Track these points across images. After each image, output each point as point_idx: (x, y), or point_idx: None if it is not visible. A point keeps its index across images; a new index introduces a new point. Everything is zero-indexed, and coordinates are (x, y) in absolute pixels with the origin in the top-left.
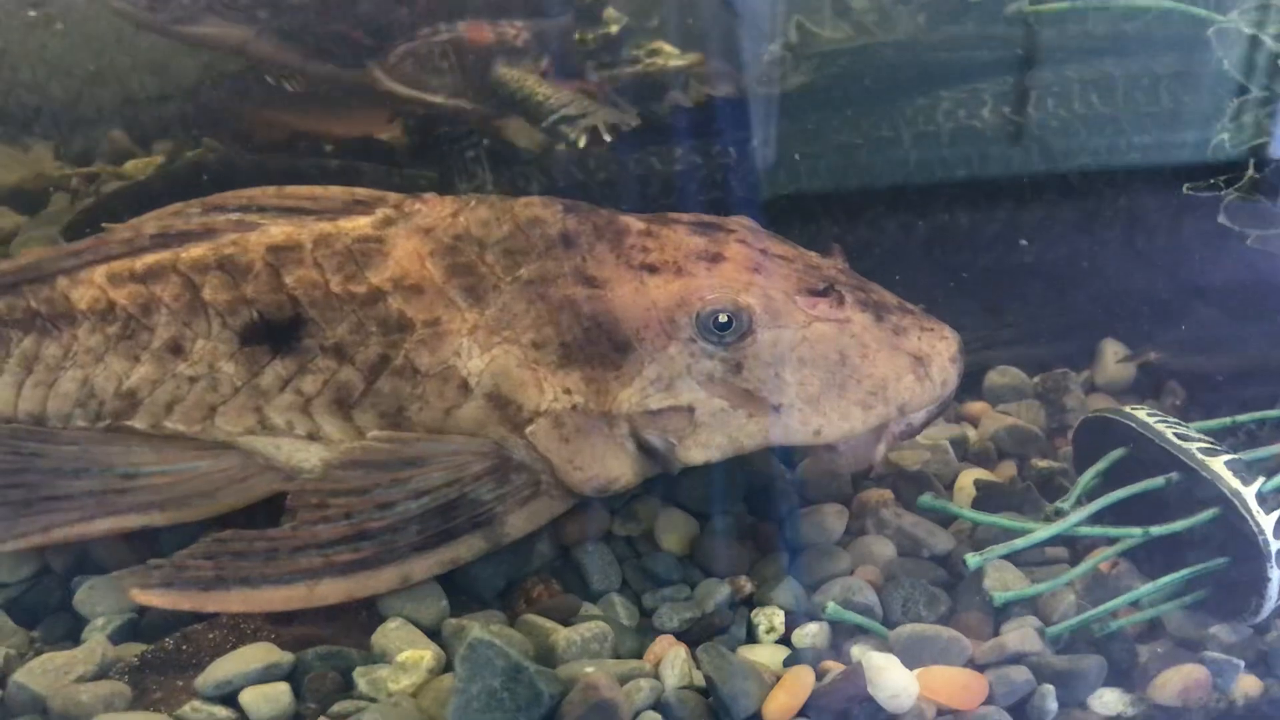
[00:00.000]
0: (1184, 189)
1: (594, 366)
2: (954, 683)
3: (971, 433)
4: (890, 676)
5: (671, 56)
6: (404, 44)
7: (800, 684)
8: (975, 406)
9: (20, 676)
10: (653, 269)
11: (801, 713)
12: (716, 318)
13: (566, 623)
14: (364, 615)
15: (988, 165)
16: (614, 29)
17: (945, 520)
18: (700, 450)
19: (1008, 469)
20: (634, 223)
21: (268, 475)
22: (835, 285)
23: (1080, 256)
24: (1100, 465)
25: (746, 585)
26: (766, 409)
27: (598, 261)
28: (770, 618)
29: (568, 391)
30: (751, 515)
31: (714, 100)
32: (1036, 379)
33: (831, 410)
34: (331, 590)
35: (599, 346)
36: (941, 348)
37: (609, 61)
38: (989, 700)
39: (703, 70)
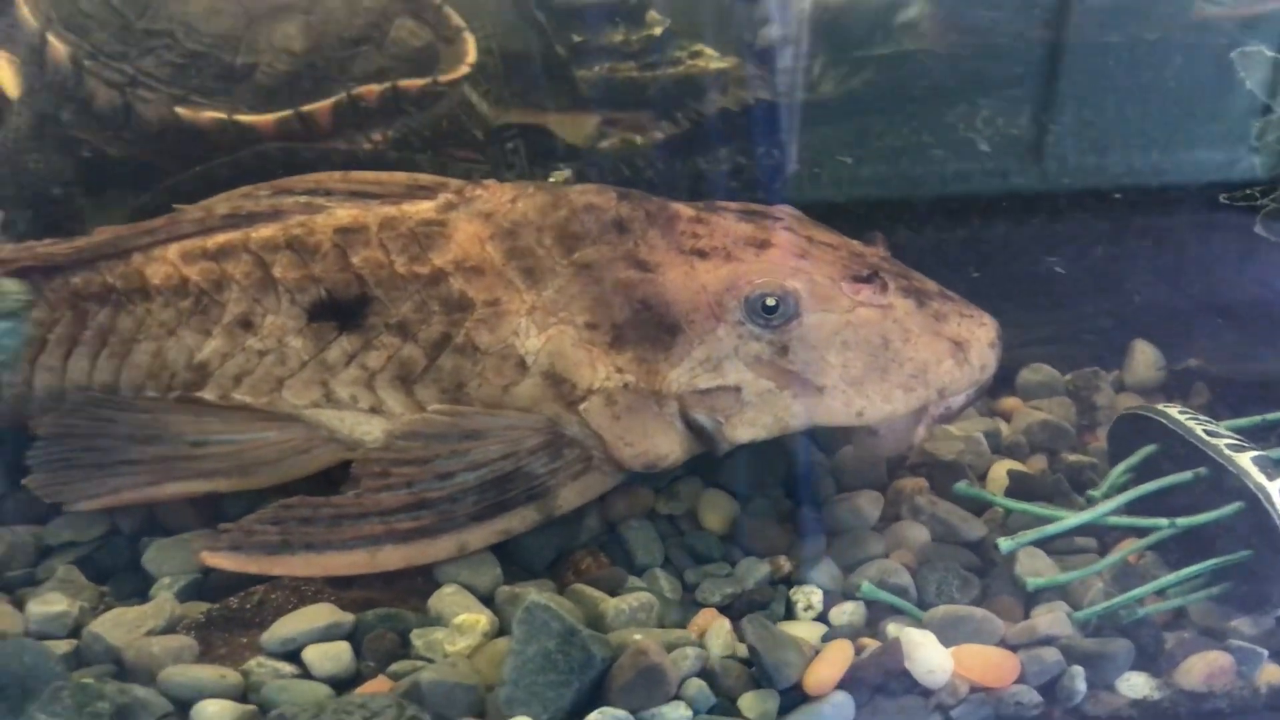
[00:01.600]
0: (1221, 199)
1: (645, 347)
2: (987, 661)
3: (1004, 426)
4: (927, 652)
5: (712, 59)
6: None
7: (840, 656)
8: (1008, 402)
9: (95, 628)
10: (702, 254)
11: (840, 684)
12: (764, 301)
13: (614, 593)
14: (420, 581)
15: (1025, 172)
16: (657, 31)
17: (978, 508)
18: (747, 429)
19: (1038, 462)
20: (685, 210)
21: (330, 446)
22: (879, 272)
23: (1114, 263)
24: (1132, 460)
25: (785, 564)
26: (811, 390)
27: (650, 246)
28: (808, 596)
29: (619, 371)
30: (789, 499)
31: (757, 103)
32: (1068, 377)
33: (874, 392)
34: (392, 556)
35: (650, 328)
36: (980, 333)
37: (652, 63)
38: (1020, 679)
39: (742, 74)
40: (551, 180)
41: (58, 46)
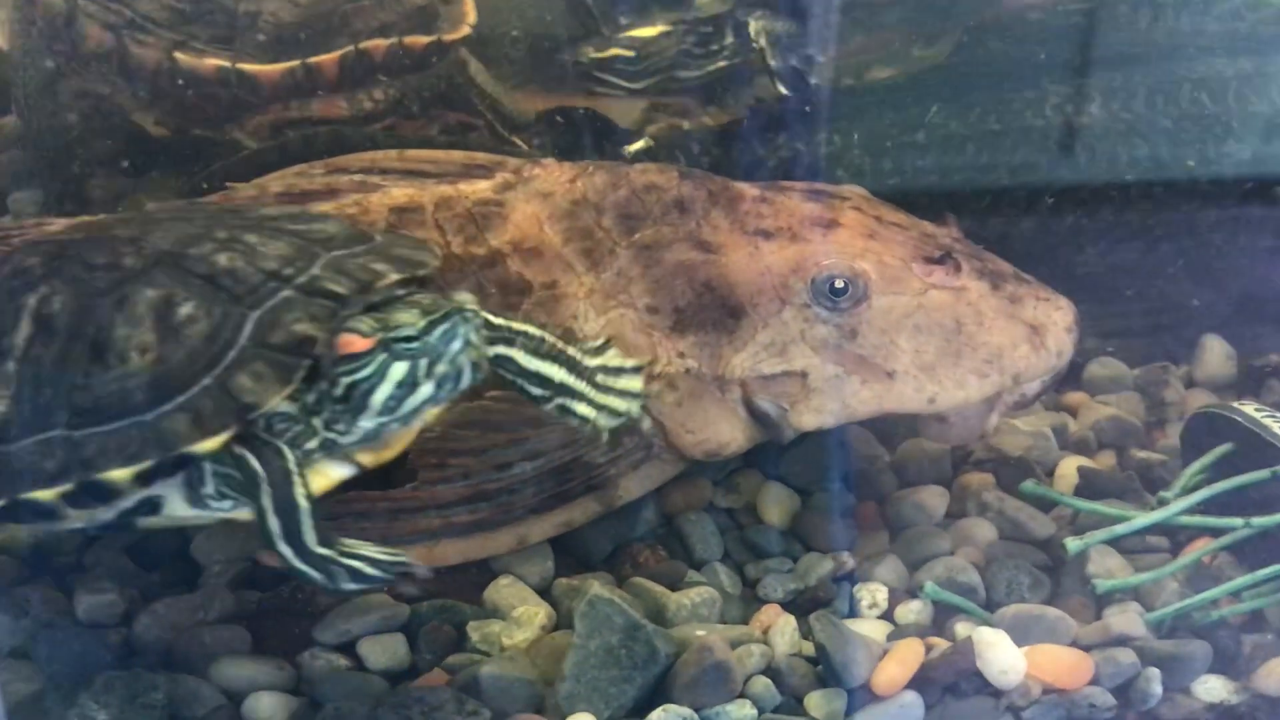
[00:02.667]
0: None
1: (708, 331)
2: (1060, 662)
3: (1071, 422)
4: (999, 653)
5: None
6: (258, 116)
7: (911, 655)
8: (1074, 396)
9: (146, 617)
10: (767, 234)
11: (910, 684)
12: (832, 283)
13: (674, 588)
14: (474, 572)
15: (1093, 161)
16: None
17: (1046, 505)
18: (813, 416)
19: (1107, 459)
20: (749, 190)
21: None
22: (951, 253)
23: (1186, 256)
24: (1206, 459)
25: (849, 561)
26: (881, 375)
27: (713, 227)
28: (874, 593)
29: (681, 355)
30: (851, 493)
31: (817, 90)
32: (1137, 371)
33: (947, 378)
34: (450, 550)
35: (713, 311)
36: (1057, 317)
37: (714, 50)
38: (1094, 681)
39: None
40: (633, 149)
41: None
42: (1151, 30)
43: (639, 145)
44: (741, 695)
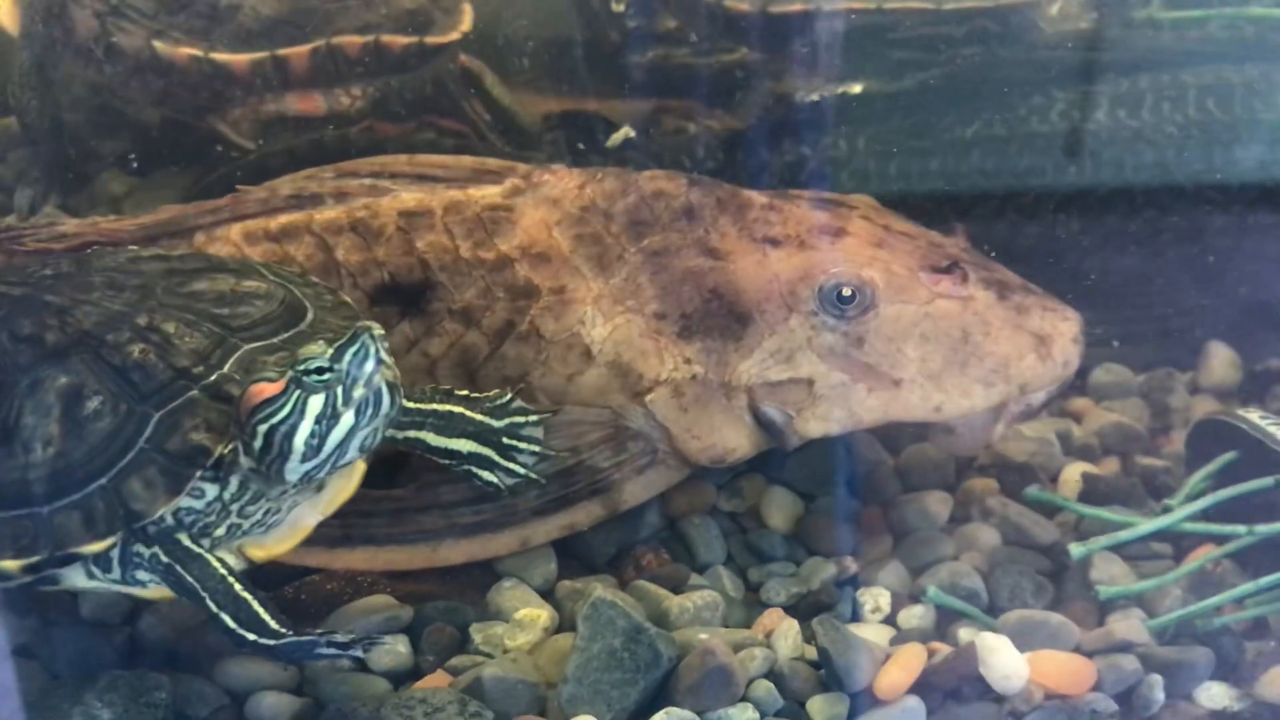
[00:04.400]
0: None
1: (714, 337)
2: (1063, 668)
3: (1075, 427)
4: (1002, 658)
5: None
6: (239, 109)
7: (914, 660)
8: (1079, 402)
9: (151, 617)
10: (775, 242)
11: (912, 689)
12: (840, 291)
13: (676, 591)
14: (477, 573)
15: (1099, 169)
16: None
17: (1050, 511)
18: (819, 423)
19: (1111, 465)
20: (757, 197)
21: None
22: (959, 262)
23: (1190, 262)
24: (1211, 467)
25: (852, 565)
26: (887, 383)
27: (721, 234)
28: (876, 598)
29: (688, 361)
30: (854, 498)
31: (824, 96)
32: (1141, 378)
33: (953, 387)
34: (453, 551)
35: (720, 318)
36: (1064, 328)
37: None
38: (1096, 687)
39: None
40: (614, 141)
41: None
42: (1158, 37)
43: (620, 136)
44: (744, 699)
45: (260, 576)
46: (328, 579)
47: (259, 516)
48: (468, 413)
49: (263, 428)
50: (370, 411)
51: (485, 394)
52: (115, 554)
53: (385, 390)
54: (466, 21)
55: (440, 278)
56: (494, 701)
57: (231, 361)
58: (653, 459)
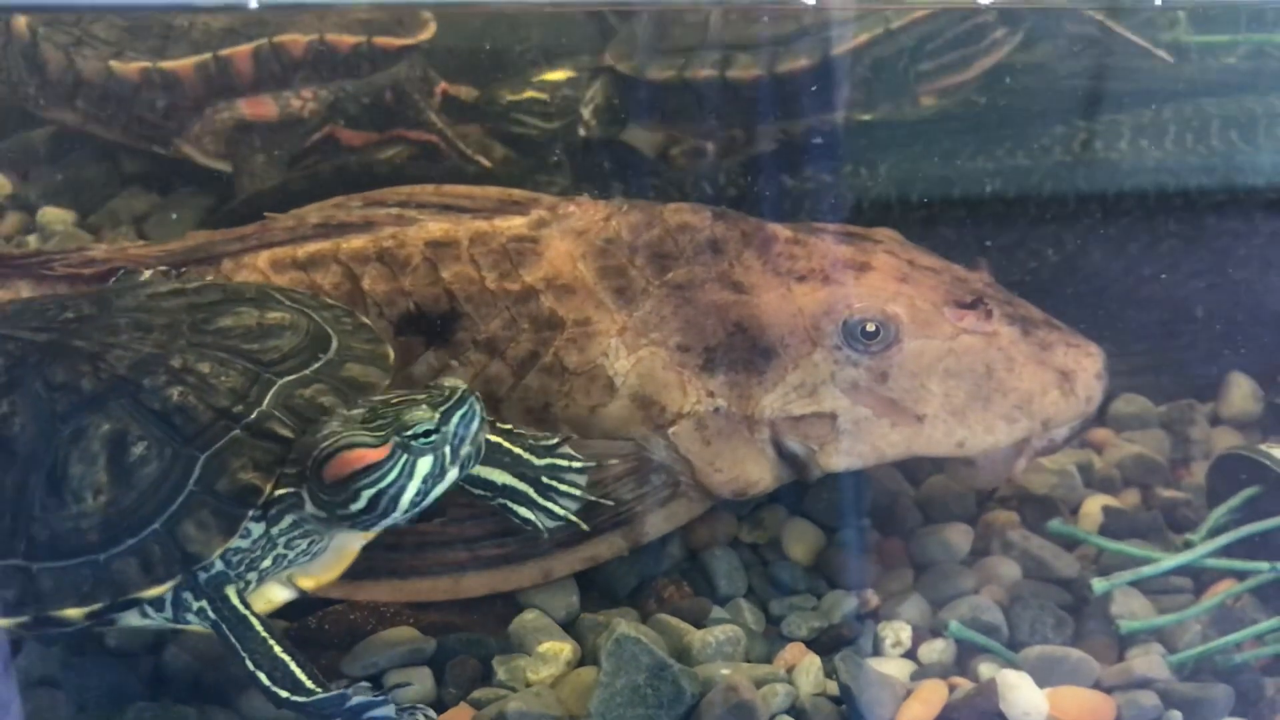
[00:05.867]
0: None
1: (738, 371)
2: (1083, 704)
3: (1096, 459)
4: (1022, 695)
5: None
6: (196, 124)
7: (935, 696)
8: (1099, 433)
9: (175, 647)
10: (800, 276)
11: None
12: (864, 326)
13: (698, 624)
14: (499, 605)
15: (1121, 196)
16: None
17: (1070, 544)
18: (842, 458)
19: (1131, 497)
20: (781, 231)
21: None
22: (983, 298)
23: (1212, 291)
24: (1233, 501)
25: (873, 599)
26: (910, 419)
27: (745, 268)
28: (897, 632)
29: (711, 394)
30: (875, 530)
31: (850, 120)
32: (1162, 408)
33: (976, 422)
34: (476, 583)
35: (743, 351)
36: (1087, 364)
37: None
38: None
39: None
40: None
41: (19, 20)
42: (1182, 67)
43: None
44: None
45: (284, 608)
46: (351, 609)
47: (304, 547)
48: (508, 445)
49: (368, 492)
50: (472, 464)
51: (532, 433)
52: (169, 595)
53: (483, 444)
54: (429, 32)
55: (466, 308)
56: None
57: (269, 397)
58: (675, 491)
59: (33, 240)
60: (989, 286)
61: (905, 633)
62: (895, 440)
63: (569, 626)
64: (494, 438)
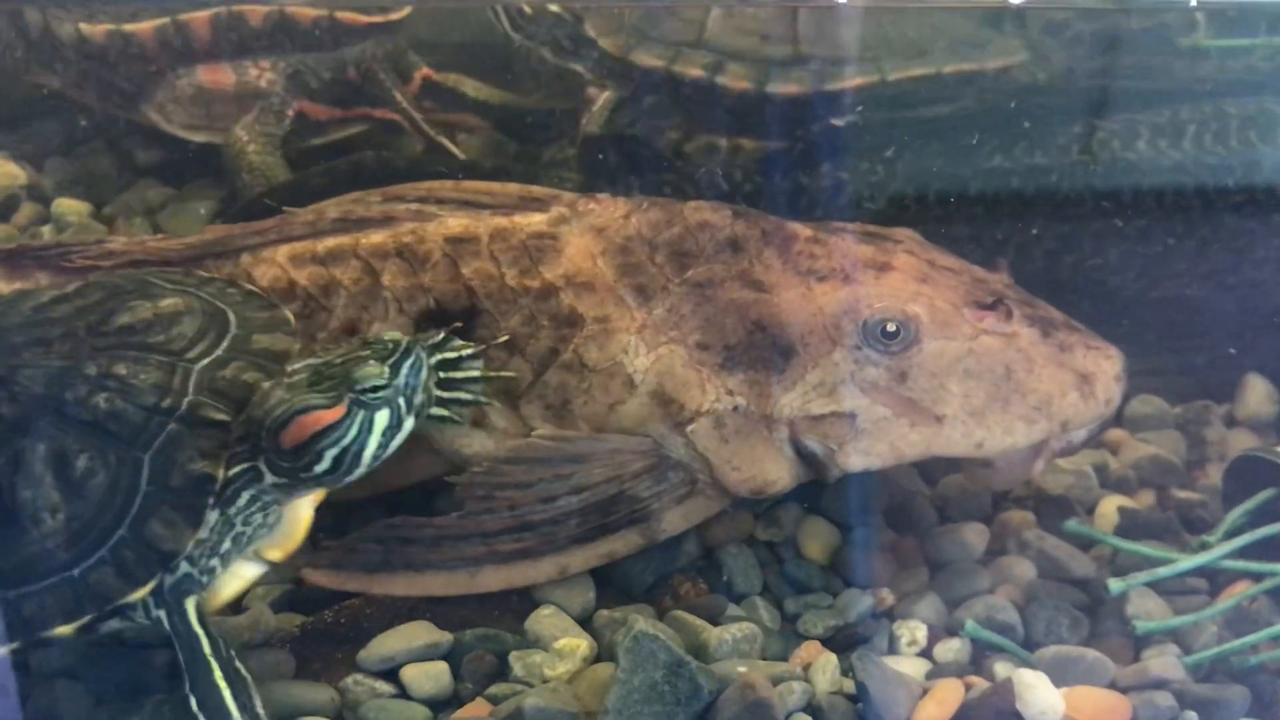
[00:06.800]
0: None
1: (757, 369)
2: (1099, 704)
3: (1112, 460)
4: (1039, 694)
5: None
6: (161, 91)
7: (951, 695)
8: (1115, 434)
9: None
10: (820, 275)
11: None
12: (884, 326)
13: (715, 622)
14: (515, 600)
15: (1139, 197)
16: None
17: (1086, 544)
18: (860, 457)
19: (1146, 498)
20: (802, 230)
21: (429, 458)
22: (1003, 299)
23: (1230, 292)
24: (1249, 504)
25: (888, 597)
26: (929, 419)
27: (765, 266)
28: (913, 631)
29: (730, 393)
30: (891, 530)
31: (864, 121)
32: (1178, 410)
33: (995, 424)
34: (492, 578)
35: (763, 350)
36: (1107, 366)
37: None
38: None
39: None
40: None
41: None
42: (1199, 67)
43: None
44: None
45: (300, 601)
46: (367, 604)
47: (261, 520)
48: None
49: (331, 452)
50: (426, 412)
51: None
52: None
53: (433, 390)
54: (399, 11)
55: (485, 305)
56: None
57: (193, 385)
58: (692, 489)
59: (47, 231)
60: (1009, 287)
61: (921, 632)
62: (914, 440)
63: (585, 623)
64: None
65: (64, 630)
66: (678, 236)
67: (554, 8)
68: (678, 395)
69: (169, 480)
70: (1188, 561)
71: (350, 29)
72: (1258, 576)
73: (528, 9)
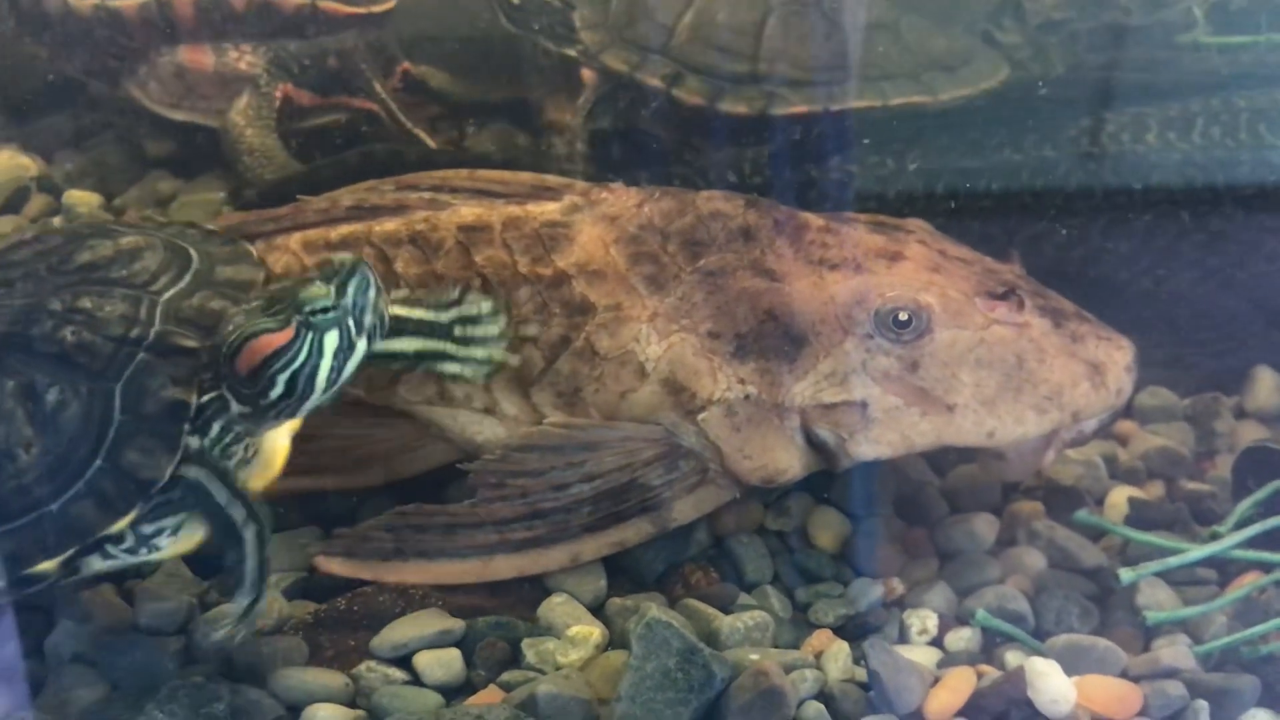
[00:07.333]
0: None
1: (769, 358)
2: (1110, 692)
3: (1121, 451)
4: (1050, 682)
5: None
6: (144, 67)
7: (963, 683)
8: (1124, 425)
9: (205, 626)
10: (832, 265)
11: (961, 712)
12: (896, 315)
13: (726, 610)
14: (527, 588)
15: (1148, 189)
16: None
17: (1096, 535)
18: (871, 446)
19: (1155, 489)
20: (814, 219)
21: (440, 446)
22: (1015, 289)
23: (1238, 284)
24: (1260, 494)
25: (898, 587)
26: (941, 408)
27: (777, 255)
28: (923, 620)
29: (741, 381)
30: (901, 519)
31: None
32: (1187, 401)
33: (1006, 413)
34: (504, 566)
35: (775, 339)
36: (1118, 356)
37: None
38: (1142, 712)
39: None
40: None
41: None
42: (1209, 60)
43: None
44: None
45: (313, 589)
46: (380, 591)
47: (241, 454)
48: (409, 312)
49: (282, 376)
50: (378, 335)
51: (431, 293)
52: (129, 530)
53: (385, 313)
54: (384, 4)
55: (498, 292)
56: (548, 718)
57: (159, 315)
58: (703, 478)
59: (58, 222)
60: (1020, 278)
61: (932, 621)
62: (925, 430)
63: (597, 611)
64: (396, 309)
65: (47, 566)
66: (690, 225)
67: None
68: (689, 384)
69: (142, 408)
70: (1199, 551)
71: (332, 18)
72: (1267, 567)
73: None
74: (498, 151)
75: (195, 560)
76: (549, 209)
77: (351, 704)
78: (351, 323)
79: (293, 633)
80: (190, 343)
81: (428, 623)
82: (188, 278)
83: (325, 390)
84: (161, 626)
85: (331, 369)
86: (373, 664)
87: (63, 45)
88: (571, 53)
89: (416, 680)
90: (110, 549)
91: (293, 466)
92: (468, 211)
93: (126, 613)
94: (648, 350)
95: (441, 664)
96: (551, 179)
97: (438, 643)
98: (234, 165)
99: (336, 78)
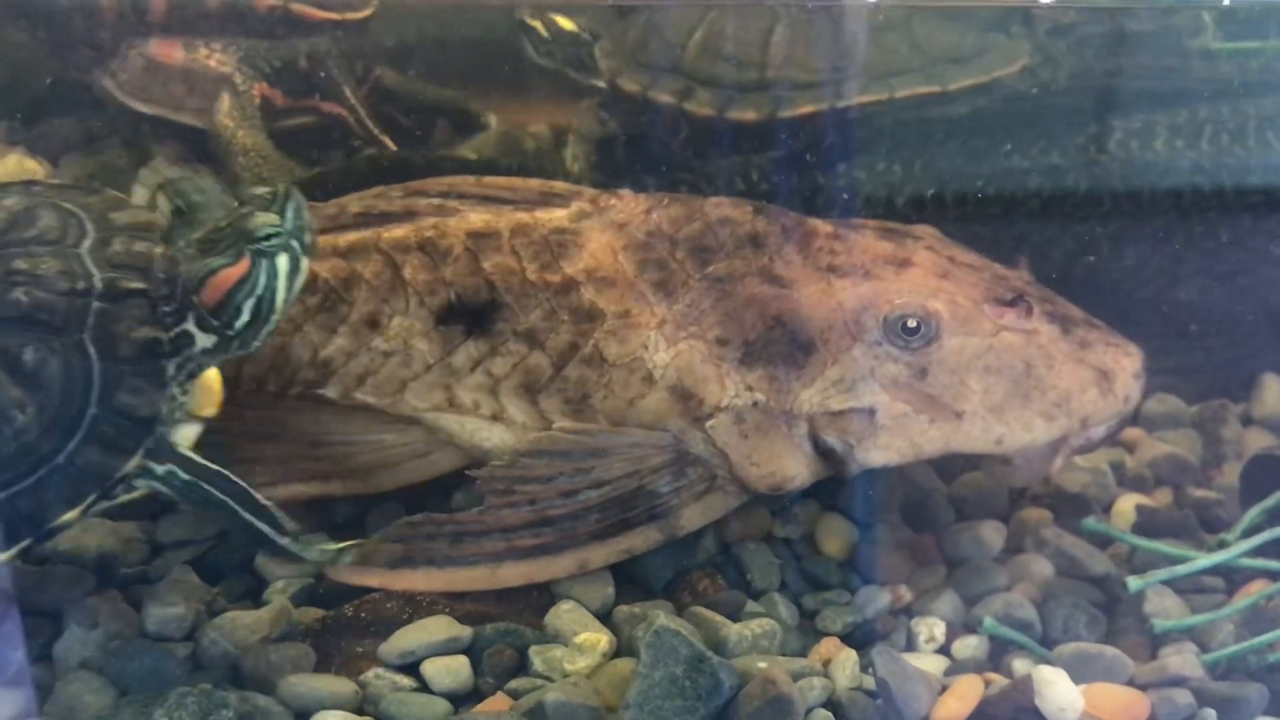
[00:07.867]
0: None
1: (777, 365)
2: (1118, 702)
3: (1128, 458)
4: (1058, 691)
5: None
6: (115, 60)
7: (971, 692)
8: (1131, 433)
9: (213, 632)
10: (840, 271)
11: None
12: (905, 322)
13: (734, 618)
14: (534, 595)
15: (1156, 196)
16: None
17: (1103, 542)
18: (880, 453)
19: (1163, 496)
20: (822, 226)
21: (448, 452)
22: (1023, 295)
23: (1245, 292)
24: (1267, 503)
25: (906, 594)
26: (949, 415)
27: (785, 262)
28: (931, 628)
29: (749, 388)
30: (908, 527)
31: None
32: (1194, 408)
33: (1014, 420)
34: (512, 573)
35: (783, 345)
36: (1126, 363)
37: None
38: None
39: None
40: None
41: None
42: (1219, 66)
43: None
44: None
45: (320, 596)
46: (387, 598)
47: (191, 388)
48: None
49: (248, 303)
50: (314, 250)
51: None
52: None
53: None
54: (362, 10)
55: (506, 299)
56: None
57: (92, 265)
58: (711, 485)
59: None
60: (1028, 284)
61: (939, 628)
62: (934, 436)
63: (604, 618)
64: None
65: (70, 516)
66: (698, 232)
67: (569, 26)
68: (697, 390)
69: (118, 351)
70: (1206, 560)
71: (303, 22)
72: (1275, 575)
73: (542, 30)
74: (479, 159)
75: (202, 566)
76: (557, 216)
77: (359, 711)
78: (295, 244)
79: (300, 640)
80: (135, 284)
81: (436, 630)
82: (90, 228)
83: (283, 310)
84: (169, 633)
85: (287, 290)
86: (381, 671)
87: (44, 34)
88: (598, 83)
89: (424, 687)
90: (118, 491)
91: (300, 473)
92: (476, 218)
93: (134, 619)
94: (656, 357)
95: (449, 671)
96: (560, 185)
97: (446, 650)
98: (229, 167)
99: (306, 80)
